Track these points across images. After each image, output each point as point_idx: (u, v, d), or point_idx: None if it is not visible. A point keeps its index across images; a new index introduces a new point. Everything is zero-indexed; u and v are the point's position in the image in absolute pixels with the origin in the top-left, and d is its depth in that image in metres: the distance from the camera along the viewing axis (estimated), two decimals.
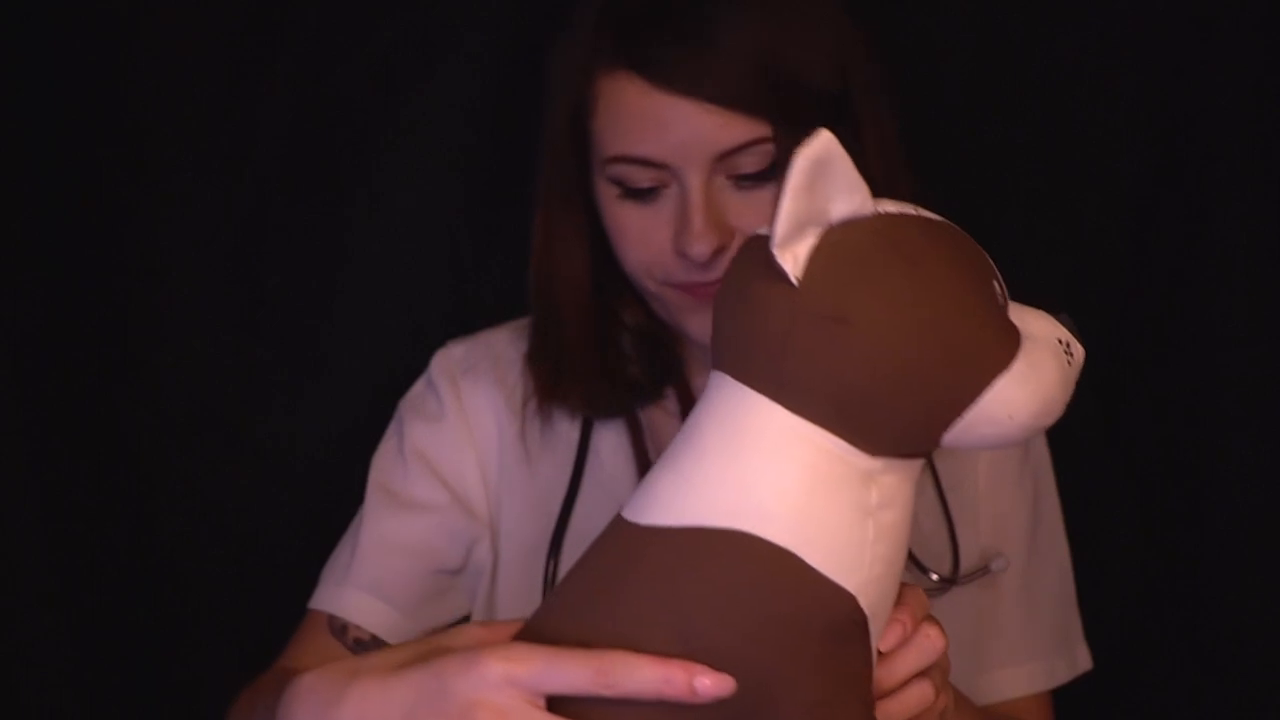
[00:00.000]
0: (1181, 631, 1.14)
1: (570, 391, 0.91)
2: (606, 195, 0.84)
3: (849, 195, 0.56)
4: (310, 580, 1.13)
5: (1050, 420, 0.58)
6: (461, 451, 0.94)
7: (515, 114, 1.03)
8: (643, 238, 0.83)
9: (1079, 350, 0.59)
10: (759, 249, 0.57)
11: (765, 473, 0.56)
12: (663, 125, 0.79)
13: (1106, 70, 1.10)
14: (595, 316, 0.90)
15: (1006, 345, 0.56)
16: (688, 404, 0.92)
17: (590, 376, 0.91)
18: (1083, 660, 0.97)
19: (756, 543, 0.55)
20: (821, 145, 0.53)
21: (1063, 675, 0.95)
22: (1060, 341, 0.58)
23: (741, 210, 0.81)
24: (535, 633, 0.59)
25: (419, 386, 0.98)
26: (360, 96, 1.12)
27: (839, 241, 0.55)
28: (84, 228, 1.10)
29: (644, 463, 0.91)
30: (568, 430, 0.94)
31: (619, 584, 0.57)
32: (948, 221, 0.59)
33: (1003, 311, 0.58)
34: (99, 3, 1.08)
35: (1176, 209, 1.11)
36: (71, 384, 1.09)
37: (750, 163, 0.80)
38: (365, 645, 0.90)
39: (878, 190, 0.65)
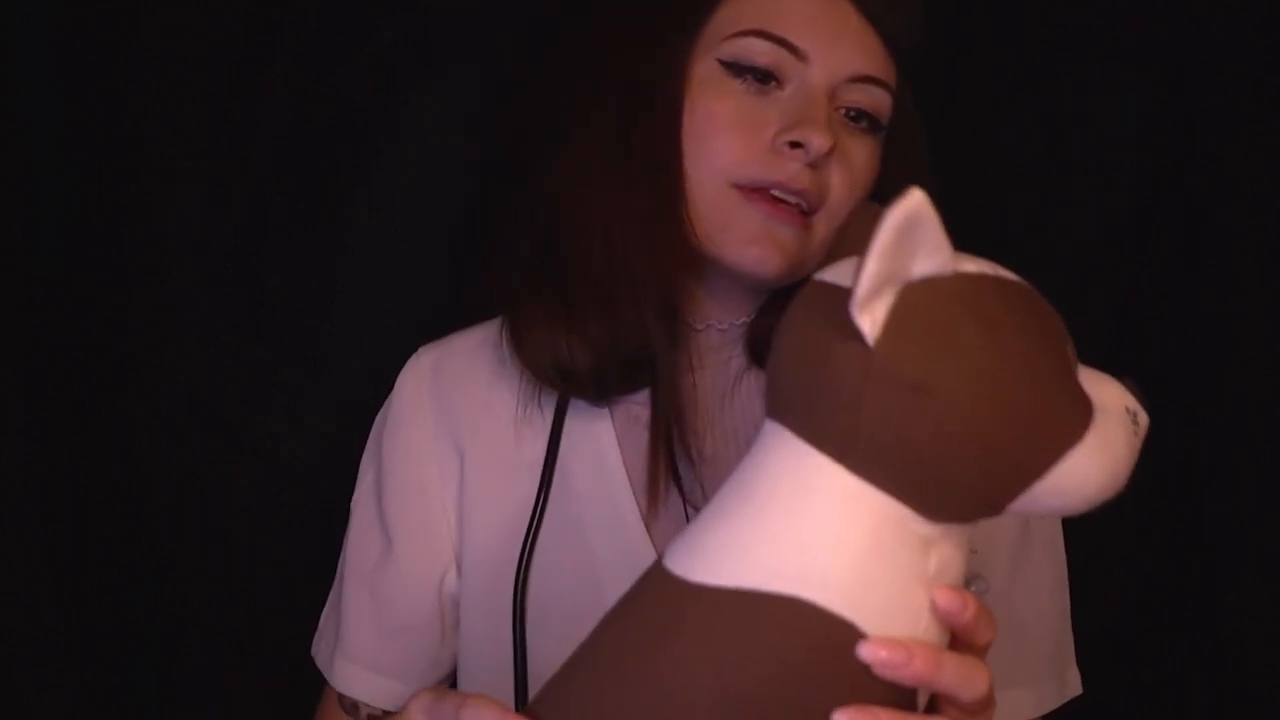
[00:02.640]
0: (1181, 632, 1.14)
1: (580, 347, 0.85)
2: (709, 79, 0.81)
3: (932, 255, 0.53)
4: (310, 580, 1.13)
5: (1115, 492, 0.57)
6: (434, 480, 0.93)
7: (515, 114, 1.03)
8: (745, 125, 0.80)
9: (1144, 418, 0.58)
10: (825, 297, 0.55)
11: (826, 538, 0.54)
12: (822, 19, 0.80)
13: (1106, 70, 1.10)
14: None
15: (1081, 417, 0.55)
16: (662, 410, 0.85)
17: (601, 336, 0.84)
18: (1073, 684, 0.92)
19: (814, 611, 0.53)
20: (913, 204, 0.51)
21: (1051, 701, 0.91)
22: (1128, 410, 0.57)
23: (846, 145, 0.81)
24: (566, 687, 0.57)
25: (389, 414, 0.96)
26: (360, 96, 1.12)
27: (919, 303, 0.53)
28: (84, 228, 1.09)
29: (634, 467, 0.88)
30: (533, 446, 0.90)
31: (663, 643, 0.54)
32: (1025, 283, 0.57)
33: (1076, 380, 0.56)
34: (99, 3, 1.08)
35: (1176, 209, 1.11)
36: (71, 384, 1.09)
37: (867, 101, 0.81)
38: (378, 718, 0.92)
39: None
